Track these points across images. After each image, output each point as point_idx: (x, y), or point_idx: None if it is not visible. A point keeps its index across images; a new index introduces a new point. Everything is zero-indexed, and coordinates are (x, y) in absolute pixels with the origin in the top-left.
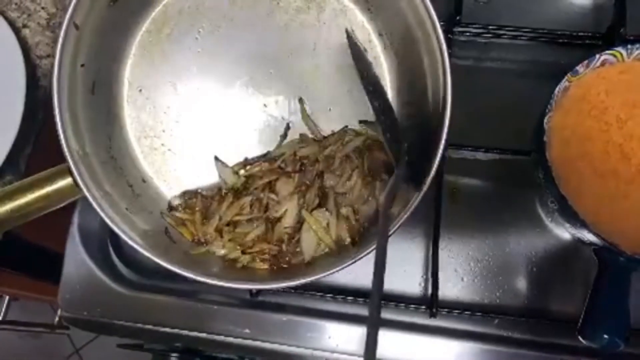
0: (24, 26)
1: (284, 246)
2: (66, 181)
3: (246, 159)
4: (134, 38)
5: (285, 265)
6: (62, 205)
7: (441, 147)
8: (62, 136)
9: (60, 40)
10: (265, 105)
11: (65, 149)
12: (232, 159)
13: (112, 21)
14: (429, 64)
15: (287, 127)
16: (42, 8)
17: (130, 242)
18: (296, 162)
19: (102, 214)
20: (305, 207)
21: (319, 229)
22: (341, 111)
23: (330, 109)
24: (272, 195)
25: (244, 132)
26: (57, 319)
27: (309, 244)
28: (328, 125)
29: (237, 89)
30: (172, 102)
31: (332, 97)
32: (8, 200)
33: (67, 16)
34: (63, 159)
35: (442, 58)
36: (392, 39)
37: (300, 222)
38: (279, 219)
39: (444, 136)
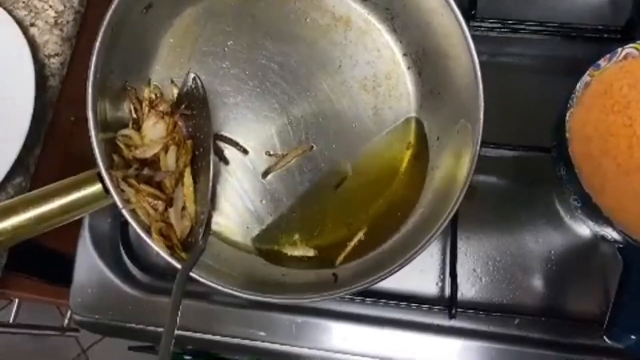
0: (32, 25)
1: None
2: (95, 187)
3: None
4: (163, 44)
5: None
6: (89, 212)
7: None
8: (94, 141)
9: (97, 45)
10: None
11: (98, 155)
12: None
13: (144, 27)
14: (459, 76)
15: (311, 148)
16: (50, 6)
17: (162, 253)
18: None
19: (132, 222)
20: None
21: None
22: (365, 128)
23: (354, 125)
24: None
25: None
26: (66, 321)
27: None
28: (352, 142)
29: (260, 101)
30: None
31: (356, 114)
32: (32, 207)
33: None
34: (71, 160)
35: (474, 71)
36: (417, 57)
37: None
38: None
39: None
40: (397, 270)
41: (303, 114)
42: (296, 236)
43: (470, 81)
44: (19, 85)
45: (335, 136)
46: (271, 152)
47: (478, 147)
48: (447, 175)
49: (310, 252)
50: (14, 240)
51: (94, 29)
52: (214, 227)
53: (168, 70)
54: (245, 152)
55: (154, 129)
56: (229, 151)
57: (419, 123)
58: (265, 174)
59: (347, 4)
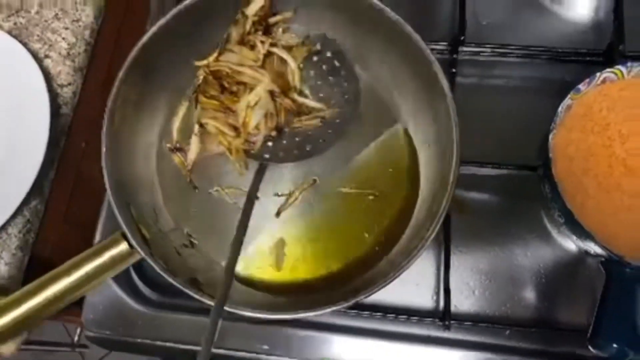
0: (46, 56)
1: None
2: (122, 247)
3: None
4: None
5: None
6: (120, 270)
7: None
8: (115, 206)
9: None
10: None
11: (120, 218)
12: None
13: None
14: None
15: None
16: (63, 39)
17: (193, 294)
18: None
19: (163, 273)
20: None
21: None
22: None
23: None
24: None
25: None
26: (76, 337)
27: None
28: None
29: None
30: None
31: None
32: (64, 277)
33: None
34: (82, 182)
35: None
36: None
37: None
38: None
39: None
40: (393, 280)
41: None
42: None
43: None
44: (35, 113)
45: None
46: (279, 193)
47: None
48: (432, 194)
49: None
50: (49, 312)
51: (104, 59)
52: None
53: None
54: (256, 198)
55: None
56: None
57: (407, 134)
58: (278, 213)
59: None
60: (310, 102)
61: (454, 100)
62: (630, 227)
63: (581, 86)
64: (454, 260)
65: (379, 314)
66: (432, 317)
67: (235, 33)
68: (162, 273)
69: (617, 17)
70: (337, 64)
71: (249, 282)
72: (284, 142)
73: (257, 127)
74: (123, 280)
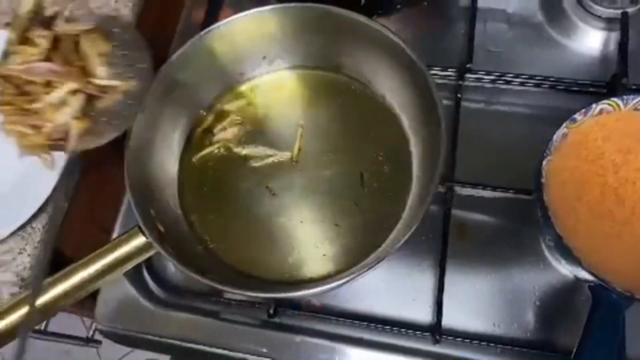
0: None
1: None
2: (139, 240)
3: None
4: None
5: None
6: (138, 262)
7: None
8: (133, 204)
9: None
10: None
11: (138, 214)
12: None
13: None
14: None
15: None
16: None
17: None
18: None
19: (177, 265)
20: None
21: None
22: None
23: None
24: None
25: None
26: (91, 332)
27: None
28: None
29: None
30: None
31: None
32: (86, 267)
33: None
34: (104, 182)
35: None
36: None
37: None
38: None
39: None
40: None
41: None
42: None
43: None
44: None
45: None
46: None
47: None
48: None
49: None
50: (71, 301)
51: None
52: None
53: None
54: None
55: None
56: None
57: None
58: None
59: None
60: (111, 82)
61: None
62: (619, 254)
63: (577, 116)
64: (450, 278)
65: (374, 324)
66: (424, 330)
67: (13, 35)
68: (173, 263)
69: (622, 50)
70: (126, 37)
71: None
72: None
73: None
74: (135, 278)
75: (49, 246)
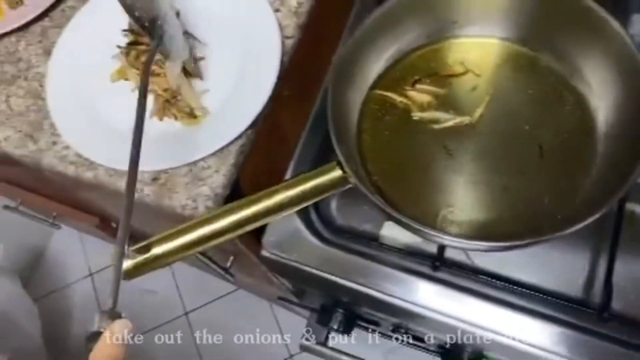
0: (277, 10)
1: None
2: (336, 173)
3: None
4: None
5: None
6: (330, 194)
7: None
8: (334, 140)
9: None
10: None
11: (338, 149)
12: None
13: None
14: None
15: None
16: None
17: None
18: None
19: (371, 197)
20: None
21: None
22: None
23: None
24: None
25: None
26: (228, 264)
27: None
28: None
29: None
30: None
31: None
32: (284, 191)
33: None
34: (275, 127)
35: None
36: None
37: None
38: None
39: None
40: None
41: None
42: None
43: None
44: (266, 58)
45: None
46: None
47: None
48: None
49: None
50: (265, 220)
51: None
52: None
53: None
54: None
55: None
56: None
57: None
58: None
59: None
60: None
61: None
62: None
63: None
64: (617, 265)
65: (540, 294)
66: (587, 307)
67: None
68: (369, 196)
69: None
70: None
71: None
72: None
73: None
74: (303, 214)
75: (235, 170)
